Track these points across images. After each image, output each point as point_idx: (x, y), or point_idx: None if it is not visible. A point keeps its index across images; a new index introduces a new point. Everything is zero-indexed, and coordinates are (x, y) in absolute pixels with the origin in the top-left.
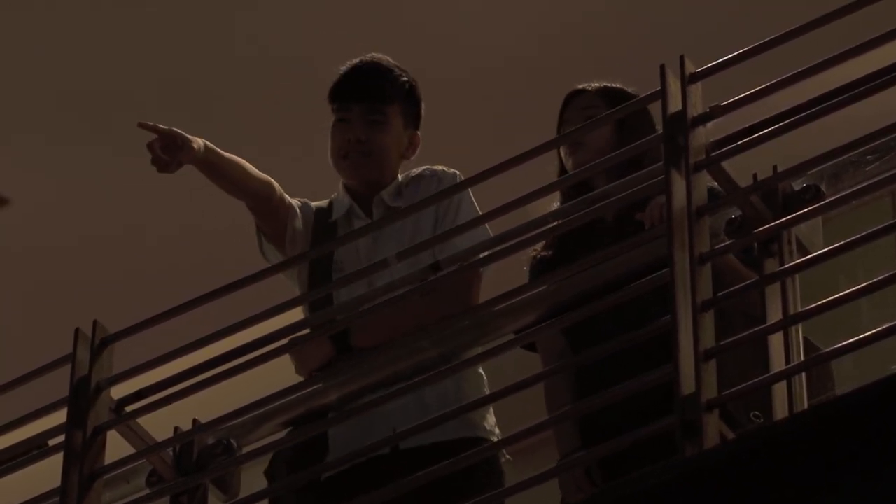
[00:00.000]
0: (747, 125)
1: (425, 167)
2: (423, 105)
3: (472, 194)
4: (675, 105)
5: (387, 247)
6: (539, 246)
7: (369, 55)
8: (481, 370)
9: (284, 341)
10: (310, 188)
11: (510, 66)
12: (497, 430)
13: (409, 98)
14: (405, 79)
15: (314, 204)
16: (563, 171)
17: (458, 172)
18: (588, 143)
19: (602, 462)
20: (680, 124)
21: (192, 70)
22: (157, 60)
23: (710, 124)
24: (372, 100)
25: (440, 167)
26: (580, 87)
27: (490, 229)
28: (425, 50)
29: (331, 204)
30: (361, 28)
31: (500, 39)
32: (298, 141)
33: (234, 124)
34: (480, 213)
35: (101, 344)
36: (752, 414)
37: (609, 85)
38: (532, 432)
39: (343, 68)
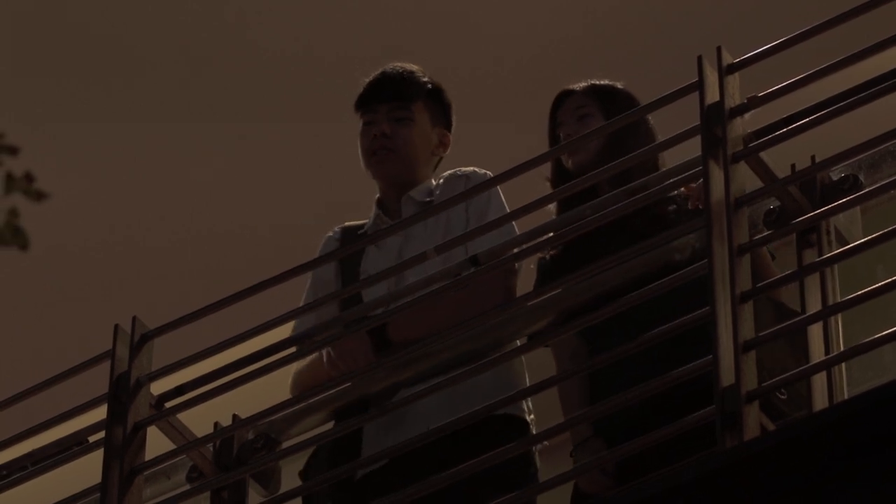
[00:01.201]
0: (785, 115)
1: (457, 168)
2: (451, 106)
3: (501, 194)
4: (712, 96)
5: (416, 245)
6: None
7: (392, 64)
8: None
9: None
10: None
11: (540, 57)
12: (530, 417)
13: (433, 96)
14: (426, 79)
15: (347, 224)
16: (557, 170)
17: (488, 173)
18: (586, 144)
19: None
20: (718, 115)
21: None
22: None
23: (747, 115)
24: (395, 98)
25: (471, 168)
26: (568, 87)
27: (520, 226)
28: (450, 42)
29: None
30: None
31: (530, 29)
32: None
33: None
34: (509, 210)
35: (141, 340)
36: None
37: (596, 83)
38: (563, 428)
39: (375, 74)
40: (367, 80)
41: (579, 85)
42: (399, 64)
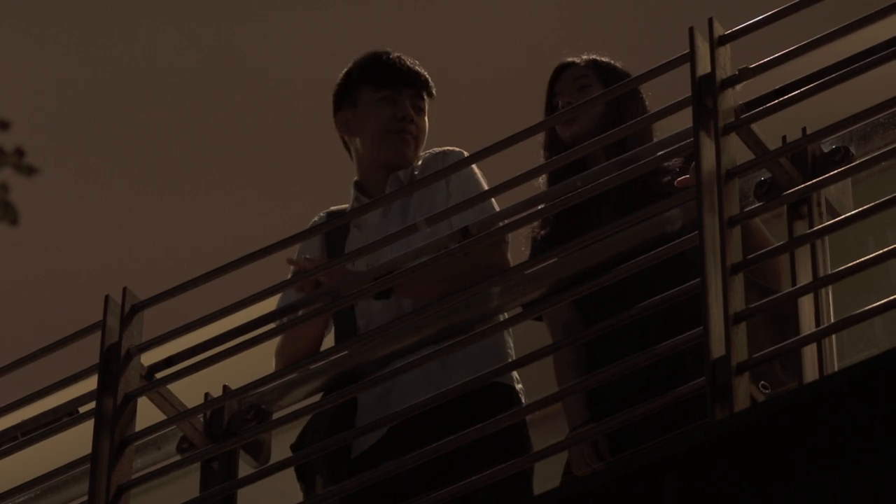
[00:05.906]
0: (776, 87)
1: (431, 148)
2: None
3: (479, 171)
4: (704, 67)
5: (396, 222)
6: (535, 224)
7: (392, 51)
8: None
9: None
10: None
11: (530, 30)
12: (518, 386)
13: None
14: None
15: (332, 208)
16: (552, 140)
17: (464, 152)
18: (582, 115)
19: (607, 435)
20: (709, 87)
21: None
22: None
23: (739, 86)
24: (421, 87)
25: (447, 147)
26: (568, 60)
27: (511, 197)
28: (445, 49)
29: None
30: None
31: (522, 5)
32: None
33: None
34: (487, 187)
35: (131, 311)
36: (759, 384)
37: (598, 58)
38: (553, 399)
39: (380, 52)
40: (384, 58)
41: (580, 58)
42: (399, 54)
